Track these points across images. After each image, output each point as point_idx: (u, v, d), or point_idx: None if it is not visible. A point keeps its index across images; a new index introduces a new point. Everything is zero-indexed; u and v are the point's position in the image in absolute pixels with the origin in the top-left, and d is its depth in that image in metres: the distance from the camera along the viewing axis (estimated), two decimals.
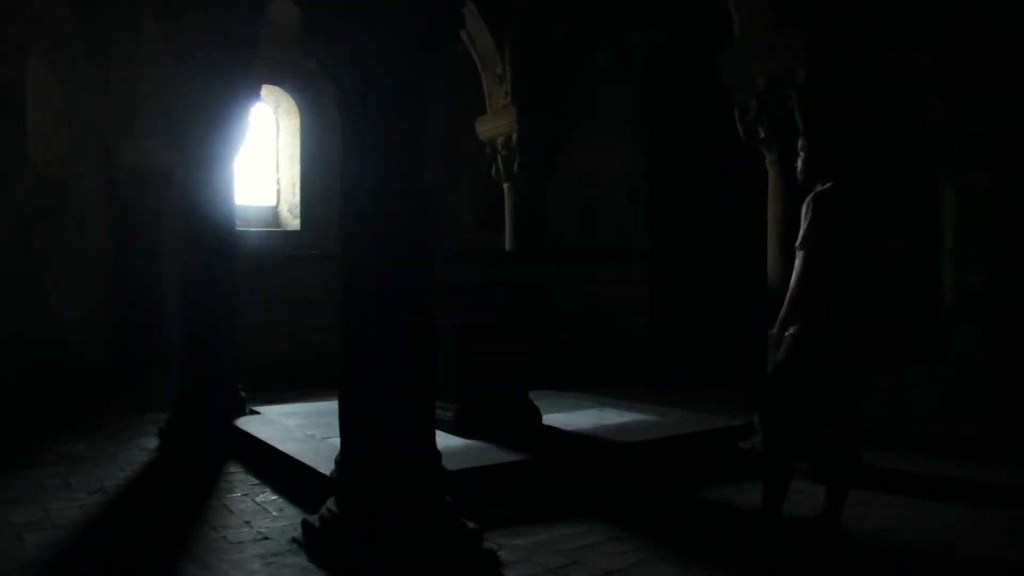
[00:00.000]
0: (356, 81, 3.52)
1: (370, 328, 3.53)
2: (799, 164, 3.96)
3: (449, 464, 4.36)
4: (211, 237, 6.09)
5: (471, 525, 3.58)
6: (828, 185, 3.75)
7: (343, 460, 3.64)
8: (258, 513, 4.33)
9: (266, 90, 9.61)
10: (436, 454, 3.67)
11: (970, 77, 6.56)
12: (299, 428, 5.51)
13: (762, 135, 5.34)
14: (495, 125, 7.71)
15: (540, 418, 5.45)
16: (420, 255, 3.59)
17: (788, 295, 3.70)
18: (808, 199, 3.70)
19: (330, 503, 3.63)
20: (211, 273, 6.06)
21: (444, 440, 4.98)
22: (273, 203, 10.02)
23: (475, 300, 5.31)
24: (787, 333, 3.70)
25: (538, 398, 6.29)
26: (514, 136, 7.47)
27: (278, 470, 4.88)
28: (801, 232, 3.66)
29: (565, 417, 5.73)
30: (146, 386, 7.73)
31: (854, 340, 3.69)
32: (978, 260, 6.72)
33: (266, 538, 3.92)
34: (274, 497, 4.63)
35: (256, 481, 4.97)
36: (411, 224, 3.52)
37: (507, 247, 7.63)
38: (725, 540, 3.88)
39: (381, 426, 3.51)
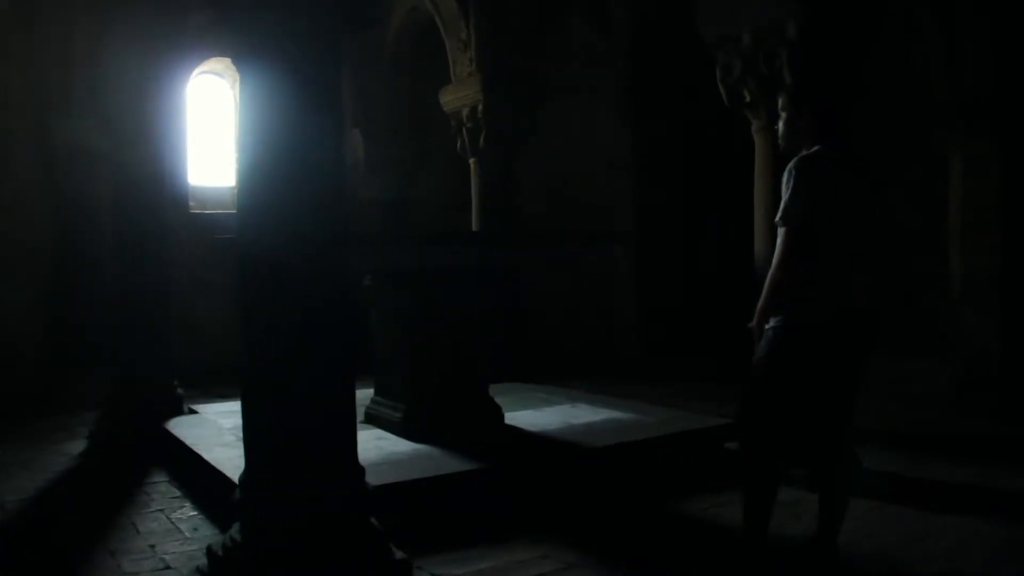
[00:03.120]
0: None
1: (271, 320, 2.95)
2: (780, 126, 3.35)
3: (393, 474, 3.85)
4: (142, 221, 5.52)
5: (399, 555, 3.02)
6: (815, 148, 3.14)
7: (247, 479, 3.06)
8: (168, 534, 3.76)
9: (223, 64, 9.02)
10: (358, 471, 3.08)
11: (979, 35, 5.94)
12: (234, 430, 4.90)
13: (748, 99, 4.75)
14: (459, 95, 7.09)
15: (502, 417, 4.88)
16: (334, 223, 3.00)
17: (768, 280, 3.07)
18: (790, 165, 3.05)
19: (235, 530, 3.06)
20: (141, 259, 5.48)
21: (391, 445, 4.45)
22: (232, 184, 9.40)
23: (428, 287, 4.74)
24: (768, 326, 3.10)
25: (506, 392, 5.77)
26: (480, 107, 6.84)
27: (201, 480, 4.32)
28: (782, 204, 3.03)
29: (531, 415, 5.15)
30: (87, 383, 7.13)
31: (855, 335, 3.10)
32: (989, 240, 6.12)
33: (168, 567, 3.37)
34: (193, 513, 4.06)
35: (178, 493, 4.40)
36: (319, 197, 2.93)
37: (474, 228, 7.04)
38: (704, 566, 3.33)
39: (289, 438, 2.93)
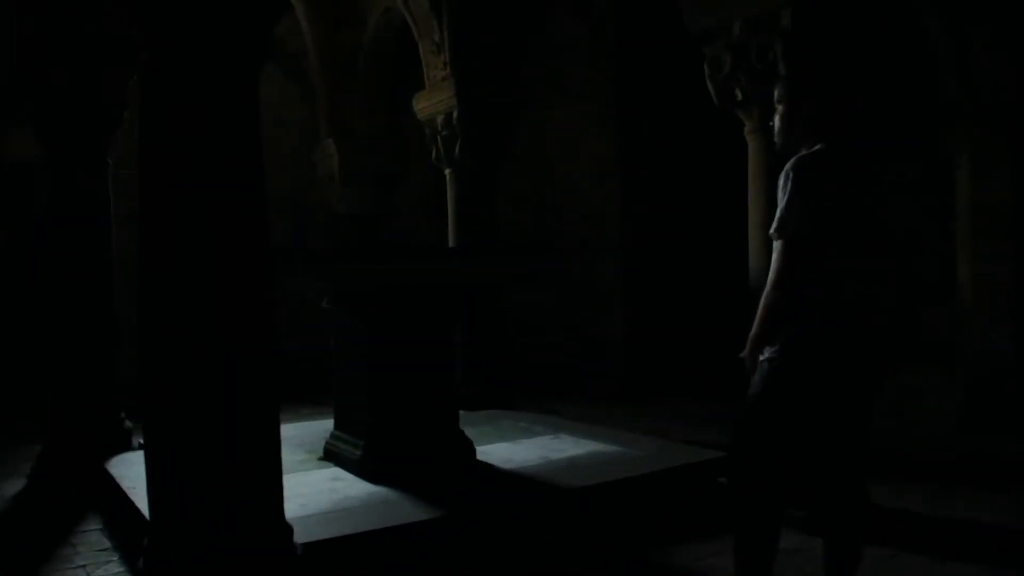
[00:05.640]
0: None
1: (168, 332, 2.51)
2: (776, 122, 2.89)
3: (340, 525, 3.37)
4: (77, 233, 5.09)
5: None
6: (816, 147, 2.70)
7: (151, 540, 2.61)
8: None
9: None
10: (283, 530, 2.63)
11: (991, 31, 5.52)
12: None
13: (739, 97, 4.32)
14: (433, 102, 6.64)
15: (473, 452, 4.42)
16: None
17: (762, 302, 2.61)
18: (788, 166, 2.59)
19: None
20: (74, 277, 5.04)
21: (346, 487, 3.97)
22: None
23: (393, 309, 4.27)
24: (763, 357, 2.64)
25: (483, 422, 5.38)
26: (455, 113, 6.39)
27: (133, 530, 3.84)
28: (778, 213, 2.57)
29: (507, 449, 4.69)
30: (40, 409, 6.65)
31: (863, 359, 2.65)
32: (1000, 245, 5.71)
33: None
34: (119, 570, 3.60)
35: (108, 545, 3.93)
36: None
37: (450, 242, 6.59)
38: None
39: (194, 491, 2.49)
